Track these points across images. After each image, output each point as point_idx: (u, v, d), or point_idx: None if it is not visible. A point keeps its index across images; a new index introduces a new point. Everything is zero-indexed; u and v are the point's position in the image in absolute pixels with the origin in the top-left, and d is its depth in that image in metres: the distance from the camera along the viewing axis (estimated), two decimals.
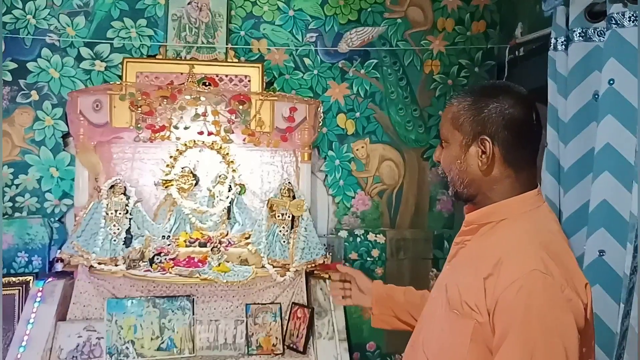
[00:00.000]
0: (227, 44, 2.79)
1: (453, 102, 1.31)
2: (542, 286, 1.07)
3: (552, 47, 2.14)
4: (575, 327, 1.07)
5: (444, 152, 1.33)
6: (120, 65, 2.70)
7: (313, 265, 2.66)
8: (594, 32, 1.99)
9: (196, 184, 2.73)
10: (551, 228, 1.24)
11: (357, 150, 3.03)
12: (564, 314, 1.07)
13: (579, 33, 2.01)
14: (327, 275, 2.74)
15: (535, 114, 1.24)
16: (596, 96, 1.92)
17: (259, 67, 2.73)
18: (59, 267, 2.65)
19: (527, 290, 1.07)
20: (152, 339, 2.44)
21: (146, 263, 2.51)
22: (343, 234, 2.98)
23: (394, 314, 1.74)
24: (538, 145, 1.28)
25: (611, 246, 1.79)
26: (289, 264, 2.58)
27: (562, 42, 2.10)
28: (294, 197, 2.65)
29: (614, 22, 1.79)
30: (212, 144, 2.71)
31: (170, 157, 2.69)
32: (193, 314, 2.51)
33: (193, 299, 2.54)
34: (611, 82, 1.80)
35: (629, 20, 1.76)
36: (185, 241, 2.60)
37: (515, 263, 1.12)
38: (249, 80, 2.71)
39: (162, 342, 2.45)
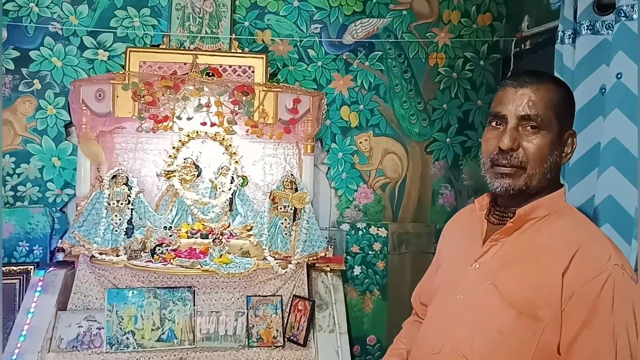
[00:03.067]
0: (231, 34, 2.77)
1: (548, 85, 1.22)
2: (623, 280, 1.10)
3: (559, 40, 2.12)
4: None
5: (536, 141, 1.21)
6: (123, 55, 2.69)
7: (315, 258, 2.65)
8: (602, 25, 1.96)
9: (198, 175, 2.72)
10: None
11: (360, 143, 3.01)
12: (637, 307, 1.11)
13: (587, 26, 1.98)
14: (328, 268, 2.73)
15: None
16: (603, 90, 1.90)
17: (262, 58, 2.71)
18: (60, 256, 2.64)
19: (611, 284, 1.08)
20: (152, 329, 2.44)
21: (147, 254, 2.50)
22: (345, 227, 2.96)
23: None
24: None
25: (617, 242, 1.73)
26: (290, 257, 2.58)
27: (569, 35, 2.07)
28: (296, 190, 2.63)
29: (623, 14, 1.76)
30: (215, 135, 2.69)
31: (173, 147, 2.68)
32: (194, 305, 2.51)
33: (194, 290, 2.53)
34: (619, 76, 1.77)
35: (638, 13, 1.73)
36: (186, 232, 2.59)
37: (596, 256, 1.13)
38: (253, 71, 2.69)
39: (163, 333, 2.44)
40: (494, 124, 1.25)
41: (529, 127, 1.20)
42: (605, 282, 1.08)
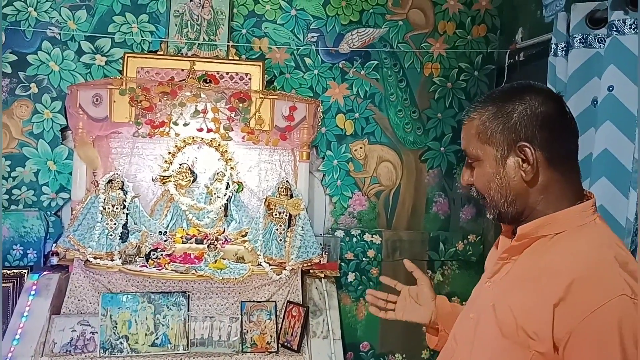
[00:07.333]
0: (228, 42, 2.79)
1: (472, 116, 1.16)
2: (632, 312, 0.96)
3: (552, 52, 2.16)
4: None
5: (477, 172, 1.17)
6: (120, 60, 2.70)
7: (309, 264, 2.67)
8: (595, 39, 2.00)
9: (194, 181, 2.73)
10: (618, 243, 1.09)
11: (355, 150, 3.03)
12: None
13: (580, 39, 2.02)
14: (322, 275, 2.75)
15: (567, 107, 1.14)
16: (595, 102, 1.94)
17: (259, 66, 2.74)
18: (54, 260, 2.64)
19: (617, 318, 0.94)
20: (146, 334, 2.44)
21: (142, 258, 2.51)
22: (339, 233, 2.98)
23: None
24: (577, 141, 1.15)
25: None
26: (285, 263, 2.59)
27: (562, 47, 2.11)
28: (291, 196, 2.65)
29: (614, 29, 1.80)
30: (211, 141, 2.71)
31: (169, 153, 2.70)
32: (188, 311, 2.51)
33: (188, 295, 2.53)
34: (610, 88, 1.81)
35: (630, 28, 1.78)
36: (181, 237, 2.60)
37: (596, 286, 0.98)
38: (250, 79, 2.72)
39: (157, 338, 2.45)
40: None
41: (470, 162, 1.19)
42: (608, 318, 0.95)
